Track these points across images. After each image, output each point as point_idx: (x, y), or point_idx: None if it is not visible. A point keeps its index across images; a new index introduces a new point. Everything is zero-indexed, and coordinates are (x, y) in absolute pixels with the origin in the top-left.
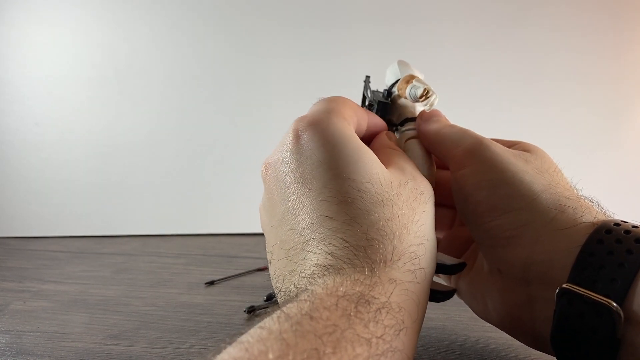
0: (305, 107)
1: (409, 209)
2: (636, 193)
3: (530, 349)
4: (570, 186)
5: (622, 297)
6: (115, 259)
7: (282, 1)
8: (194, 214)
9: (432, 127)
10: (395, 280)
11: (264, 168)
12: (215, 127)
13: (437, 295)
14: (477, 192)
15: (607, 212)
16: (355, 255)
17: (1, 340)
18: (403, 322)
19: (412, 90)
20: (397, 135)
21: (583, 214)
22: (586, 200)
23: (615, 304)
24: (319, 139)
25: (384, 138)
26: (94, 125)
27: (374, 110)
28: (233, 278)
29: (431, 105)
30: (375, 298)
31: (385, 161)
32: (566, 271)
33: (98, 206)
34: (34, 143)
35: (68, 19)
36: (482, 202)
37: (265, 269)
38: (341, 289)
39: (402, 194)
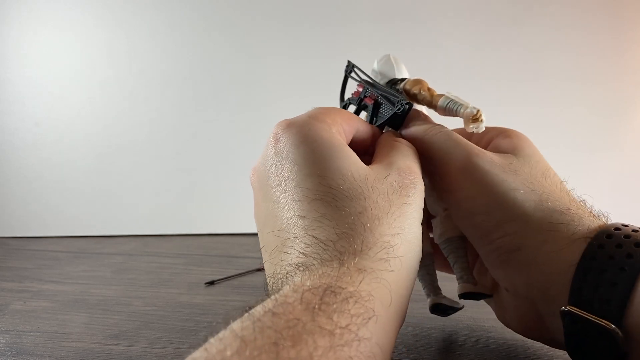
0: (304, 106)
1: (384, 201)
2: (636, 193)
3: (530, 348)
4: (562, 191)
5: (619, 316)
6: (115, 259)
7: (281, 1)
8: (194, 214)
9: (419, 130)
10: (364, 270)
11: (251, 174)
12: (215, 126)
13: (448, 310)
14: (473, 217)
15: (600, 214)
16: (324, 250)
17: (1, 340)
18: (373, 311)
19: (452, 104)
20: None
21: (576, 228)
22: (578, 209)
23: (612, 325)
24: (295, 139)
25: (387, 135)
26: (94, 125)
27: (394, 105)
28: (233, 278)
29: (477, 130)
30: (342, 288)
31: (381, 157)
32: (566, 289)
33: (98, 206)
34: (34, 143)
35: (68, 19)
36: (479, 227)
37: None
38: (307, 284)
39: (377, 187)
